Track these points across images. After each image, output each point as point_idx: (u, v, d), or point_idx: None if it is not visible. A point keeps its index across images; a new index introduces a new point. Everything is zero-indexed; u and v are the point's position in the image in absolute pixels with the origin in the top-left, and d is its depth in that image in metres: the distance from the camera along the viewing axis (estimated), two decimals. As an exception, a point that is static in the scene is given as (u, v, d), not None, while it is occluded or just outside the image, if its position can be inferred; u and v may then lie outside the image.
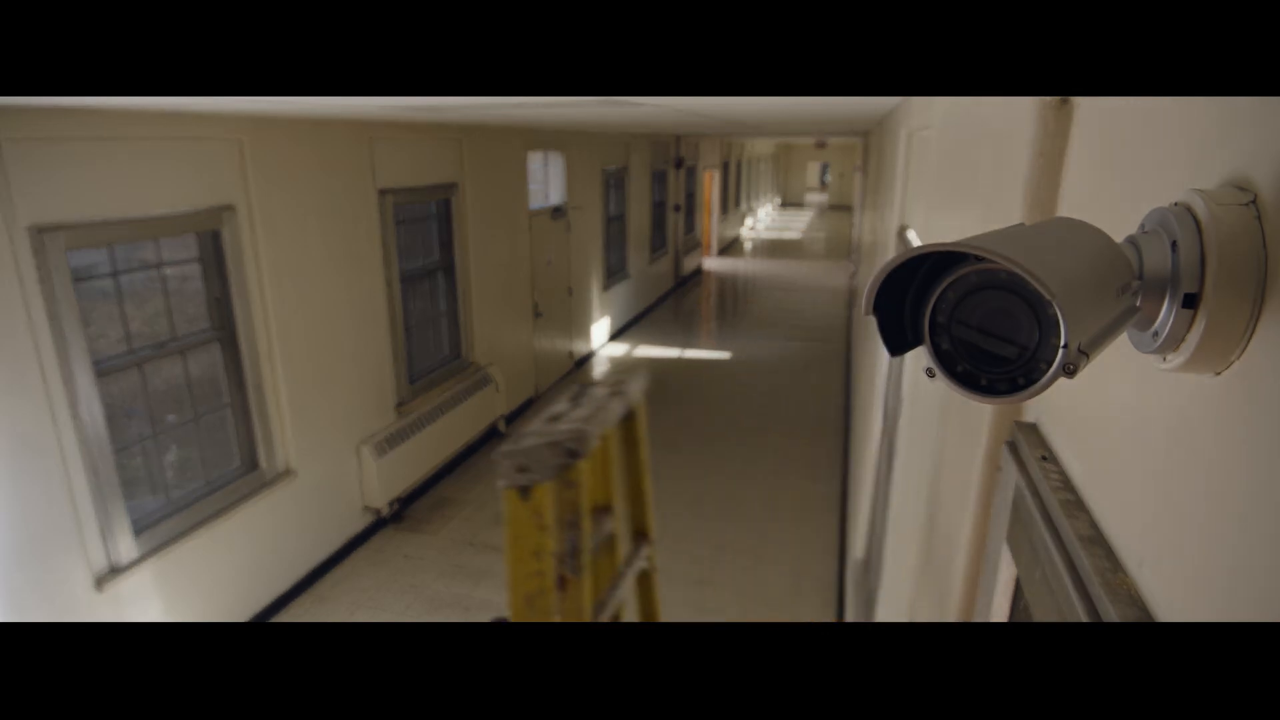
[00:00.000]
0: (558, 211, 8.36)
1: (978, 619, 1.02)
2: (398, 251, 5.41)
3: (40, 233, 2.97)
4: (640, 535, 2.57)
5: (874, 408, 3.81)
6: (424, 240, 5.97)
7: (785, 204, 33.17)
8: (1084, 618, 0.60)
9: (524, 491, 1.82)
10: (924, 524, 1.71)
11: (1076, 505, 0.71)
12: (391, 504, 5.43)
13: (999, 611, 0.94)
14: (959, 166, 1.63)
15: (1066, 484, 0.76)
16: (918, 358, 0.49)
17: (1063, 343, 0.41)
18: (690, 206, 14.93)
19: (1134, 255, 0.49)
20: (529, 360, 7.79)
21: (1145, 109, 0.65)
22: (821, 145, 23.59)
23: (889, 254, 3.28)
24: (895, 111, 4.13)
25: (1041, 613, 0.73)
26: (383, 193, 5.16)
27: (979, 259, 0.44)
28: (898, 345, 0.50)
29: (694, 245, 15.71)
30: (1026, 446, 0.86)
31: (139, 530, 3.54)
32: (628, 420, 2.45)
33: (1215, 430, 0.49)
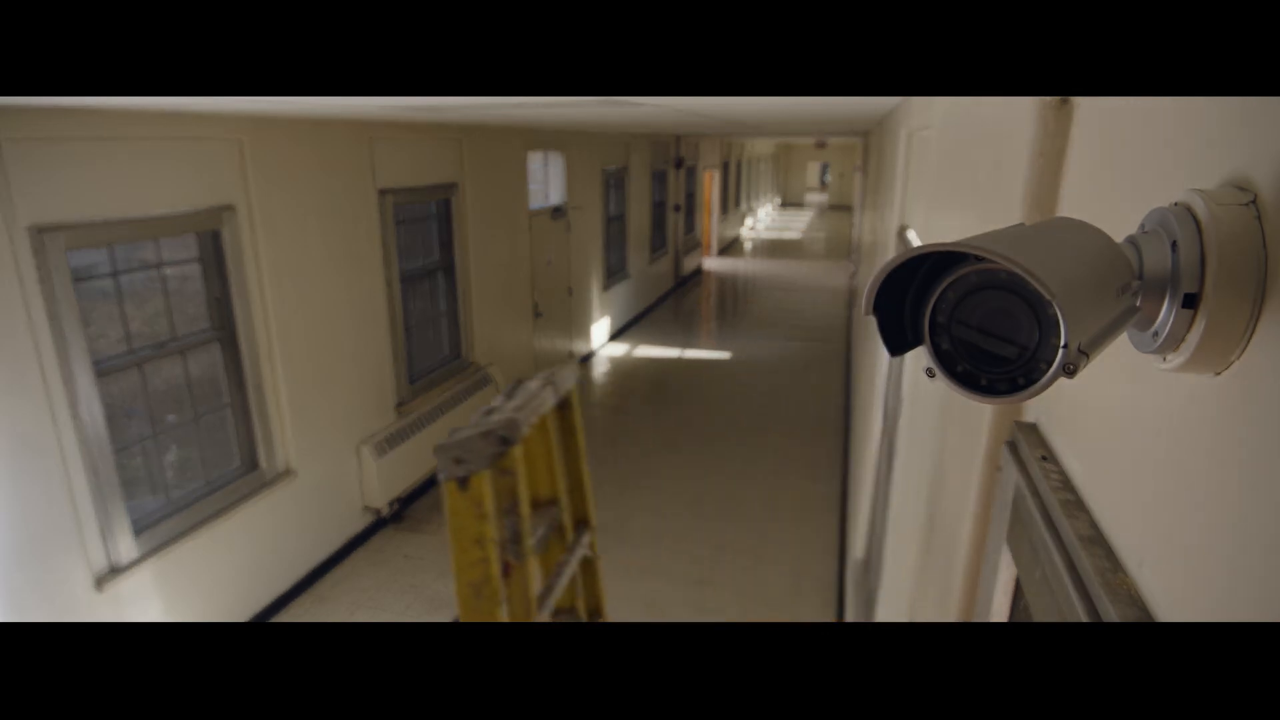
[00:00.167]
0: (558, 211, 8.36)
1: (978, 619, 1.02)
2: (398, 251, 5.41)
3: (40, 233, 2.97)
4: (582, 523, 2.62)
5: (874, 408, 3.81)
6: (424, 240, 5.97)
7: (785, 204, 33.17)
8: (1084, 618, 0.60)
9: (462, 482, 1.89)
10: (924, 524, 1.71)
11: (1076, 505, 0.71)
12: (391, 504, 5.43)
13: (999, 611, 0.94)
14: (959, 166, 1.63)
15: (1066, 484, 0.76)
16: (918, 358, 0.49)
17: (1063, 343, 0.41)
18: (690, 206, 14.93)
19: (1134, 255, 0.49)
20: (529, 360, 7.79)
21: (1145, 109, 0.65)
22: (821, 145, 23.59)
23: (889, 254, 3.28)
24: (895, 111, 4.13)
25: (1041, 613, 0.73)
26: (383, 193, 5.16)
27: (979, 259, 0.44)
28: (898, 345, 0.50)
29: (694, 245, 15.71)
30: (1026, 446, 0.86)
31: (139, 530, 3.54)
32: (564, 411, 2.55)
33: (1215, 430, 0.49)
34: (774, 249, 20.61)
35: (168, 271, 3.75)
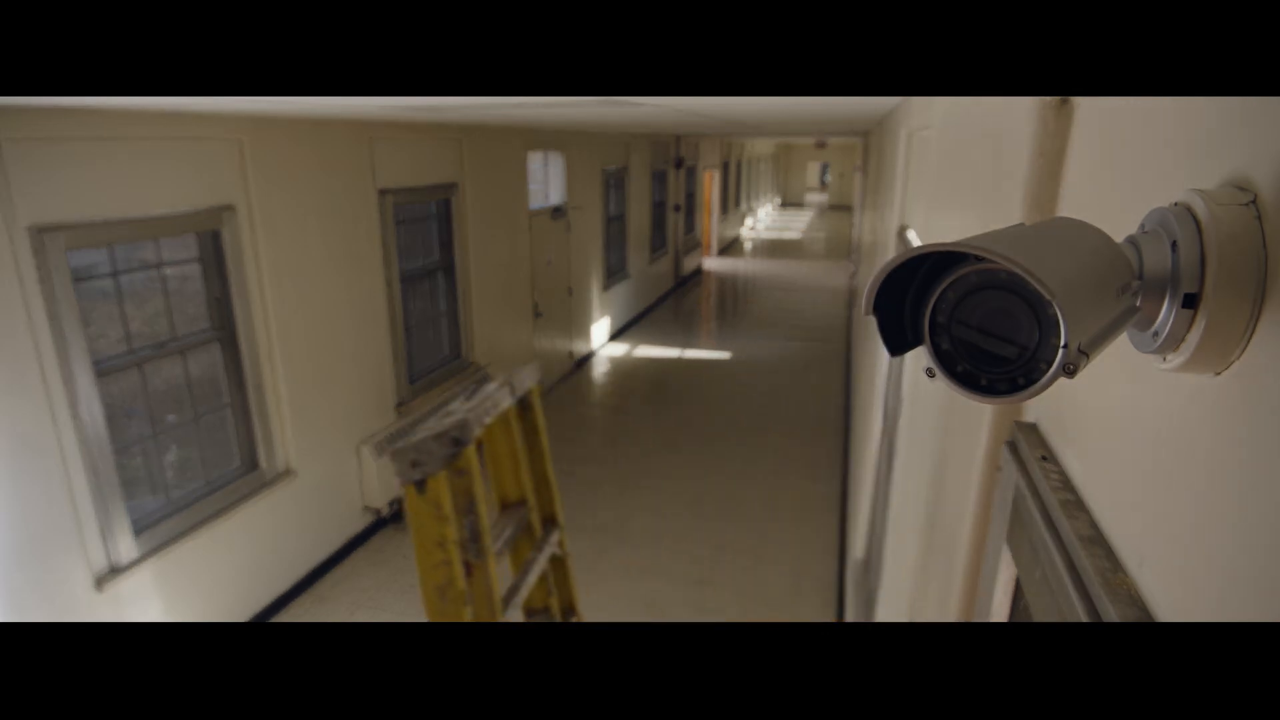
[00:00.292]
0: (558, 211, 8.36)
1: (978, 619, 1.02)
2: (398, 251, 5.41)
3: (40, 233, 2.97)
4: (549, 521, 2.63)
5: (874, 408, 3.81)
6: (424, 240, 5.97)
7: (785, 204, 33.17)
8: (1084, 618, 0.60)
9: (420, 485, 1.92)
10: (924, 524, 1.71)
11: (1076, 505, 0.71)
12: (391, 504, 5.43)
13: (999, 611, 0.94)
14: (959, 166, 1.63)
15: (1066, 484, 0.76)
16: (918, 358, 0.49)
17: (1063, 343, 0.41)
18: (690, 206, 14.93)
19: (1134, 255, 0.49)
20: (529, 360, 7.79)
21: (1145, 109, 0.65)
22: (821, 145, 23.59)
23: (889, 254, 3.28)
24: (895, 111, 4.13)
25: (1041, 613, 0.73)
26: (383, 193, 5.16)
27: (979, 259, 0.44)
28: (898, 345, 0.50)
29: (694, 245, 15.71)
30: (1026, 446, 0.86)
31: (139, 530, 3.54)
32: (527, 412, 2.57)
33: (1215, 430, 0.49)
34: (774, 249, 20.61)
35: (168, 271, 3.75)
